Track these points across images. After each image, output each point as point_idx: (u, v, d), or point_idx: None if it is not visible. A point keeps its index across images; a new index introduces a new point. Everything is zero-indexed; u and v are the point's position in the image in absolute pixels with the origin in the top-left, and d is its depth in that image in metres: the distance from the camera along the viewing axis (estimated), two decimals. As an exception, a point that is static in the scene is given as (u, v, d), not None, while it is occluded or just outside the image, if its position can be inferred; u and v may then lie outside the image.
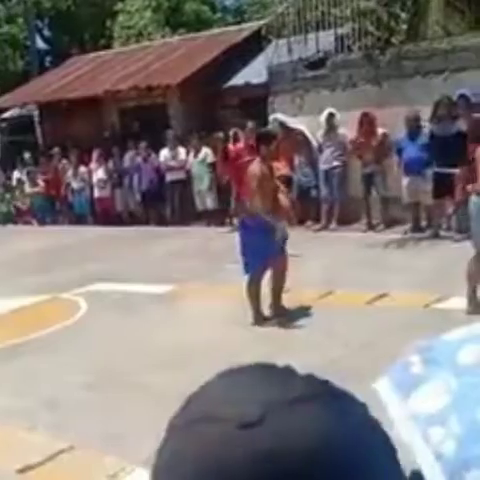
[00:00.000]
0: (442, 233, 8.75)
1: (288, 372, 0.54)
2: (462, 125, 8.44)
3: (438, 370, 1.10)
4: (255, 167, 5.95)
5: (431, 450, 1.00)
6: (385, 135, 9.61)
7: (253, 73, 12.22)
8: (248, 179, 5.97)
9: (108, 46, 20.67)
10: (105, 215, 12.98)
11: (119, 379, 5.00)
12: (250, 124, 10.85)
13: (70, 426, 4.29)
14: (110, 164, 13.05)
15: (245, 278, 6.12)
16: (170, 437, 0.52)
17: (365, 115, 9.65)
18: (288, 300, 6.58)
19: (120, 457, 3.86)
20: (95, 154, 13.11)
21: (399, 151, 9.21)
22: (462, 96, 9.02)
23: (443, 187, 8.39)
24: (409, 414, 1.07)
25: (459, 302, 5.89)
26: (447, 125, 8.58)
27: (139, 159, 12.53)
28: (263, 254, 5.92)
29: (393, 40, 10.39)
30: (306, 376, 0.54)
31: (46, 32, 26.74)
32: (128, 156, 12.86)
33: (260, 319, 6.06)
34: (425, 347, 1.14)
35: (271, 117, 10.98)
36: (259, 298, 6.11)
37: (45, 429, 4.31)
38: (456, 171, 8.00)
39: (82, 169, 13.35)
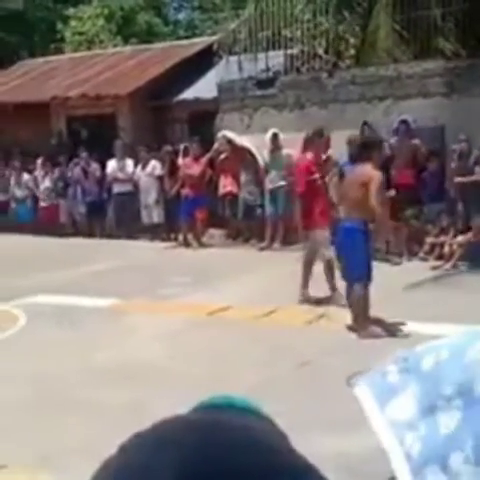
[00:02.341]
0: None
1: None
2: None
3: (408, 379, 1.21)
4: (375, 172, 5.83)
5: (403, 453, 1.09)
6: (329, 156, 9.82)
7: (203, 88, 12.31)
8: (367, 183, 5.73)
9: (59, 51, 20.42)
10: (49, 225, 12.76)
11: (56, 395, 4.94)
12: (195, 140, 11.00)
13: (3, 444, 4.22)
14: (56, 173, 12.85)
15: (356, 286, 5.92)
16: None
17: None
18: (231, 317, 6.66)
19: (54, 476, 3.82)
20: (39, 162, 12.88)
21: (341, 175, 9.43)
22: (403, 122, 9.34)
23: None
24: (388, 422, 1.16)
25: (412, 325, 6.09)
26: None
27: (77, 169, 12.37)
28: (367, 259, 5.91)
29: (341, 64, 10.67)
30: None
31: (-6, 33, 26.18)
32: (72, 165, 12.68)
33: (367, 326, 5.94)
34: (401, 358, 1.25)
35: (219, 134, 11.09)
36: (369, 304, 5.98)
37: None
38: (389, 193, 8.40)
39: (26, 177, 13.09)
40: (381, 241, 7.23)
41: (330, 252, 6.64)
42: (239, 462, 0.48)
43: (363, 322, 5.94)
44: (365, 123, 9.39)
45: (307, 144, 7.21)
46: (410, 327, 5.94)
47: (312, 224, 6.79)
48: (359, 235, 5.83)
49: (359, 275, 5.90)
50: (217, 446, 0.49)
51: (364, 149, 6.12)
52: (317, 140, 7.14)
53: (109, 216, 12.34)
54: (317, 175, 6.95)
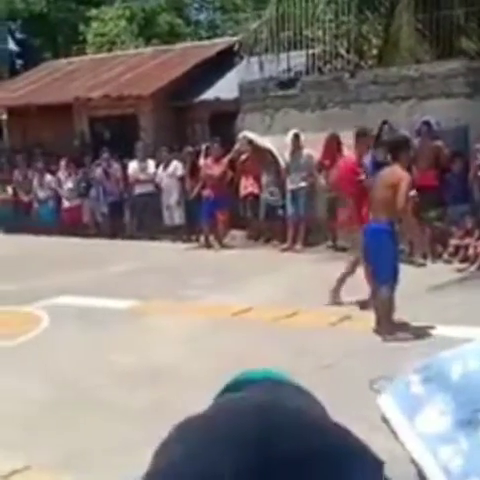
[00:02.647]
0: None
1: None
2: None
3: (435, 390, 1.19)
4: (404, 174, 5.80)
5: (440, 466, 1.08)
6: (351, 157, 9.79)
7: (224, 88, 12.31)
8: (396, 184, 5.70)
9: (81, 51, 20.59)
10: (72, 226, 12.84)
11: (79, 396, 4.97)
12: (216, 140, 11.05)
13: (27, 444, 4.25)
14: (79, 173, 12.92)
15: (382, 288, 5.89)
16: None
17: (333, 137, 9.81)
18: (253, 319, 6.65)
19: (77, 476, 3.85)
20: (63, 163, 12.97)
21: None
22: (425, 123, 9.25)
23: None
24: (417, 434, 1.15)
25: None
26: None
27: (99, 170, 12.42)
28: (394, 260, 5.90)
29: (363, 64, 10.61)
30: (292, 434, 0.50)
31: (18, 34, 26.50)
32: (93, 166, 12.74)
33: (393, 329, 5.92)
34: (422, 367, 1.23)
35: (240, 134, 11.08)
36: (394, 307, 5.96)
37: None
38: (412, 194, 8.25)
39: (48, 178, 13.17)
40: (406, 242, 7.15)
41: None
42: (300, 447, 0.49)
43: (388, 325, 5.90)
44: (385, 122, 9.30)
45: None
46: (435, 330, 5.90)
47: (359, 225, 6.74)
48: (386, 236, 5.79)
49: (386, 277, 5.86)
50: (278, 433, 0.49)
51: (392, 149, 6.07)
52: (361, 140, 7.06)
53: (126, 217, 12.38)
54: (362, 175, 6.92)
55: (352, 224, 6.80)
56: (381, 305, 5.92)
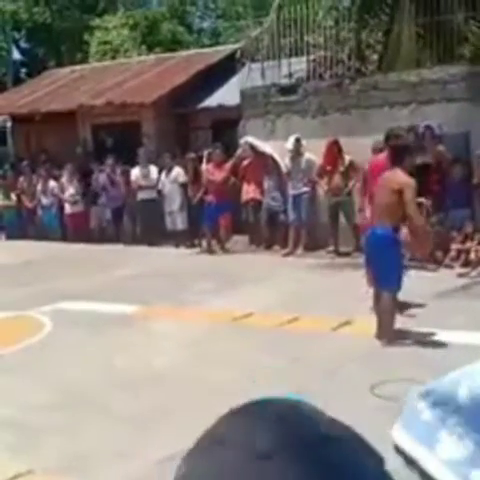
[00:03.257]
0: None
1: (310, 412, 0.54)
2: (426, 157, 8.70)
3: (445, 414, 1.19)
4: (407, 179, 5.73)
5: None
6: (351, 162, 9.82)
7: (226, 95, 12.37)
8: (399, 190, 5.66)
9: (85, 60, 20.72)
10: (76, 232, 12.89)
11: (82, 400, 4.99)
12: (218, 146, 11.10)
13: (30, 449, 4.28)
14: (82, 180, 12.99)
15: (385, 293, 5.86)
16: (185, 459, 0.54)
17: (334, 142, 9.86)
18: (254, 324, 6.67)
19: (80, 481, 3.87)
20: (67, 170, 13.04)
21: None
22: (428, 127, 9.28)
23: None
24: (442, 462, 1.16)
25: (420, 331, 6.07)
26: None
27: (103, 176, 12.49)
28: (397, 266, 5.87)
29: (364, 70, 10.65)
30: (328, 418, 0.54)
31: (23, 43, 26.68)
32: (97, 173, 12.78)
33: (393, 334, 5.89)
34: (426, 392, 1.24)
35: (242, 140, 11.14)
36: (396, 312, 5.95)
37: (3, 451, 4.26)
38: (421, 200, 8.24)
39: (52, 184, 13.25)
40: (423, 250, 6.97)
41: None
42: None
43: (389, 330, 5.88)
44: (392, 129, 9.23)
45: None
46: (437, 336, 5.90)
47: None
48: (390, 241, 5.76)
49: (389, 282, 5.84)
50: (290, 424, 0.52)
51: (397, 153, 6.02)
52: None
53: (125, 223, 12.45)
54: None
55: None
56: (383, 310, 5.90)
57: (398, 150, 6.09)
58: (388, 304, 5.85)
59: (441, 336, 5.83)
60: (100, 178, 12.60)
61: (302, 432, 0.51)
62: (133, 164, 12.19)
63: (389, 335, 5.85)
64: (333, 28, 11.08)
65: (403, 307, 6.65)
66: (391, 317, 5.89)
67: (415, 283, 7.34)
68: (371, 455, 0.52)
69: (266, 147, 10.79)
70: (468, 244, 8.73)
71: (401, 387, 4.55)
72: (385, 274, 5.82)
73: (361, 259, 9.37)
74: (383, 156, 6.81)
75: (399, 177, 5.76)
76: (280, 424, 0.51)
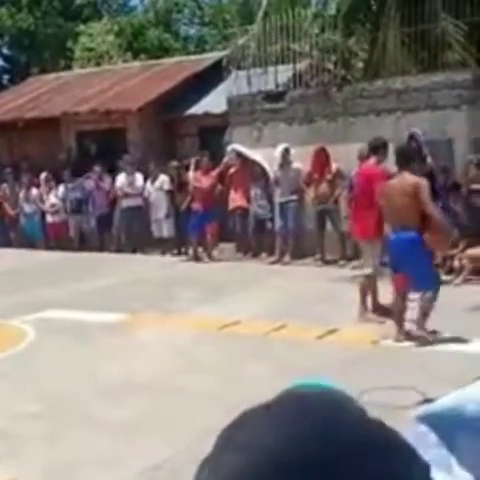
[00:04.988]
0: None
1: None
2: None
3: (449, 434, 1.13)
4: (418, 178, 5.86)
5: None
6: (338, 170, 9.83)
7: (213, 103, 12.36)
8: (413, 192, 5.75)
9: (68, 67, 20.63)
10: (58, 240, 12.77)
11: (65, 409, 4.93)
12: (205, 154, 11.10)
13: (14, 457, 4.21)
14: (61, 188, 12.85)
15: (428, 294, 5.87)
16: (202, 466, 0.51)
17: (322, 150, 9.86)
18: (241, 332, 6.63)
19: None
20: (42, 177, 12.87)
21: (351, 187, 9.41)
22: (412, 136, 9.31)
23: None
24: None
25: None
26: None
27: (91, 183, 12.40)
28: (431, 263, 5.95)
29: (349, 78, 10.68)
30: (376, 421, 0.52)
31: (5, 50, 26.52)
32: (82, 180, 12.67)
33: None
34: (424, 415, 1.18)
35: (229, 147, 11.12)
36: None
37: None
38: None
39: (34, 192, 13.13)
40: (442, 247, 6.94)
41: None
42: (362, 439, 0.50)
43: (424, 328, 5.95)
44: (411, 136, 9.13)
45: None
46: (422, 343, 5.90)
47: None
48: (417, 242, 5.78)
49: (431, 282, 5.89)
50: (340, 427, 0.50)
51: (406, 159, 6.09)
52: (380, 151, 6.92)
53: (113, 230, 12.37)
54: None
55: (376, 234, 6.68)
56: (425, 309, 5.91)
57: (405, 155, 6.17)
58: (431, 303, 5.88)
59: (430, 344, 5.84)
60: (86, 185, 12.49)
61: (349, 439, 0.49)
62: (118, 171, 12.12)
63: (424, 333, 5.90)
64: (319, 36, 11.12)
65: (380, 310, 6.72)
66: (427, 317, 5.92)
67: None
68: (419, 461, 0.51)
69: (254, 154, 10.78)
70: (454, 251, 8.74)
71: (391, 394, 4.54)
72: (422, 275, 5.84)
73: (347, 266, 9.45)
74: (372, 163, 6.82)
75: (410, 179, 5.86)
76: (324, 431, 0.49)
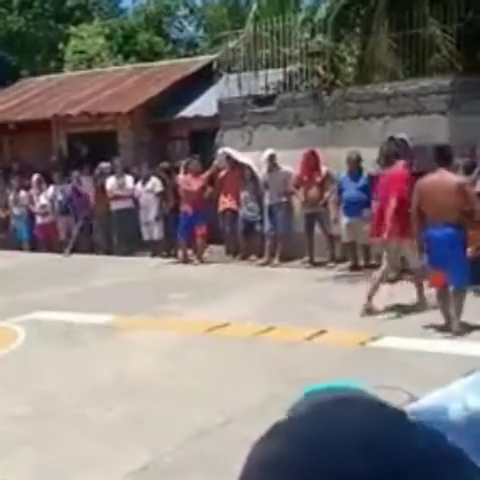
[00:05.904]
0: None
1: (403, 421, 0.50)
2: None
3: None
4: (460, 177, 6.14)
5: None
6: (328, 173, 9.90)
7: (203, 106, 12.41)
8: (462, 188, 5.96)
9: (59, 69, 20.60)
10: (47, 242, 12.78)
11: (55, 411, 4.95)
12: (195, 157, 11.17)
13: (3, 459, 4.23)
14: (51, 189, 12.86)
15: (464, 287, 6.10)
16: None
17: (311, 153, 9.93)
18: (230, 334, 6.67)
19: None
20: (34, 179, 12.87)
21: (340, 191, 9.50)
22: (400, 140, 9.37)
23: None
24: None
25: (394, 341, 6.12)
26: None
27: (69, 188, 12.40)
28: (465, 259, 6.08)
29: (339, 82, 10.76)
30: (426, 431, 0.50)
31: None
32: (65, 184, 12.65)
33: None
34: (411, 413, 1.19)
35: (220, 150, 11.17)
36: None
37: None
38: None
39: (23, 194, 13.12)
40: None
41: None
42: (428, 449, 0.49)
43: (459, 320, 6.10)
44: (392, 138, 9.20)
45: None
46: (414, 345, 5.98)
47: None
48: (461, 237, 6.00)
49: (467, 277, 6.09)
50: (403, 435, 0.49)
51: (445, 156, 6.27)
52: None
53: (99, 233, 12.38)
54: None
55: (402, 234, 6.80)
56: (461, 303, 6.07)
57: (445, 153, 6.33)
58: (464, 300, 6.07)
59: (420, 346, 5.91)
60: (66, 189, 12.50)
61: (418, 447, 0.47)
62: (109, 174, 12.13)
63: (460, 324, 6.09)
64: (309, 40, 11.19)
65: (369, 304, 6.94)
66: (461, 313, 6.10)
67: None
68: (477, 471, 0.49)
69: (244, 157, 10.84)
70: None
71: (377, 393, 4.58)
72: (462, 271, 6.02)
73: (336, 269, 9.53)
74: (401, 166, 7.00)
75: (453, 177, 6.13)
76: (394, 438, 0.47)
